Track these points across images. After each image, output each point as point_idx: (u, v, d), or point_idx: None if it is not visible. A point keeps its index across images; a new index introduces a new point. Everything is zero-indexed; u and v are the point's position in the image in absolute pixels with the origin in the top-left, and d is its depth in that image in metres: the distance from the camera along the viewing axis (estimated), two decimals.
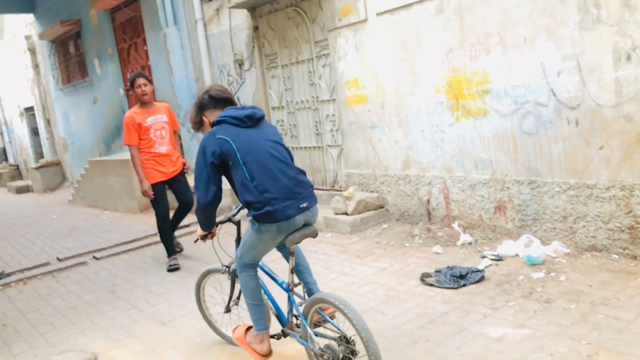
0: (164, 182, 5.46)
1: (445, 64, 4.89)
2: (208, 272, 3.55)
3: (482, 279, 3.92)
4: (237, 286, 3.33)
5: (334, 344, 2.69)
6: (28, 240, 7.90)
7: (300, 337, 2.93)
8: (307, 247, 5.37)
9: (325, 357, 2.69)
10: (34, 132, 16.26)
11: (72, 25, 11.38)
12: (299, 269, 3.18)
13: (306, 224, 2.83)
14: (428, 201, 5.31)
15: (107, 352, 3.66)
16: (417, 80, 5.17)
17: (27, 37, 14.29)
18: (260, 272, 3.11)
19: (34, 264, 6.31)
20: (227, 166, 2.77)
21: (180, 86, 8.32)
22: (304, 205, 2.77)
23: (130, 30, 9.89)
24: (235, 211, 3.23)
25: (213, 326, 3.66)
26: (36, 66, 14.44)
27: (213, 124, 2.86)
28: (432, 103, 5.08)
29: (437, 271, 4.12)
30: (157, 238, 6.79)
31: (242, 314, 3.47)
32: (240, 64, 7.42)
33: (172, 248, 5.53)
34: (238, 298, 3.39)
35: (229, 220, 3.16)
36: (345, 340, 2.64)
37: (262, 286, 3.07)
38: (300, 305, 2.94)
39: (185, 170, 5.61)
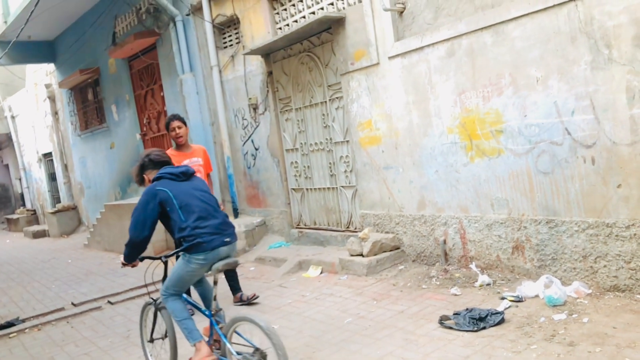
0: None
1: (457, 104, 4.92)
2: (147, 304, 3.99)
3: (502, 321, 3.82)
4: (159, 321, 3.79)
5: (249, 356, 3.10)
6: (43, 285, 7.91)
7: (221, 355, 3.38)
8: (322, 290, 5.33)
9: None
10: (52, 177, 16.53)
11: (91, 74, 11.71)
12: (209, 292, 3.65)
13: (227, 256, 3.46)
14: (444, 242, 5.25)
15: None
16: (430, 120, 5.20)
17: (48, 86, 14.70)
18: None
19: (49, 309, 6.29)
20: (165, 212, 3.41)
21: (196, 130, 8.45)
22: (227, 239, 3.44)
23: (147, 77, 10.15)
24: (169, 254, 3.63)
25: (146, 355, 4.01)
26: (55, 113, 14.80)
27: (153, 180, 3.54)
28: (446, 143, 5.09)
29: (456, 314, 4.03)
30: None
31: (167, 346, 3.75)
32: (254, 107, 7.54)
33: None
34: (165, 336, 3.76)
35: (159, 258, 3.62)
36: (258, 350, 3.07)
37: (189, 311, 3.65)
38: (221, 328, 3.37)
39: None
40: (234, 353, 3.17)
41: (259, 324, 3.02)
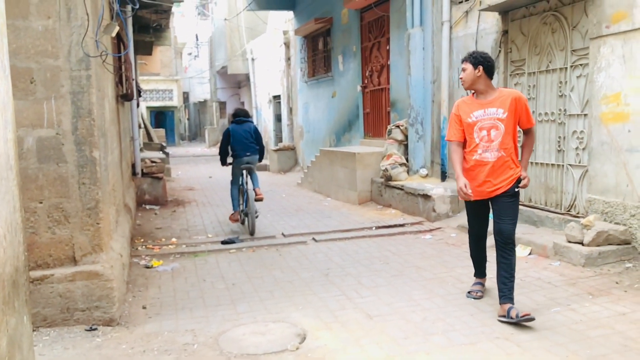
0: (481, 202, 4.11)
1: None
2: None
3: None
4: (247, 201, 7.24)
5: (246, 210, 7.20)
6: (260, 213, 8.71)
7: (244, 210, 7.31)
8: (529, 272, 4.93)
9: (245, 211, 7.23)
10: (278, 118, 18.09)
11: (324, 23, 12.27)
12: (252, 179, 7.38)
13: (249, 162, 7.25)
14: None
15: (315, 332, 3.80)
16: None
17: (284, 32, 15.89)
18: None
19: (263, 235, 6.95)
20: (229, 139, 7.29)
21: (416, 87, 8.33)
22: (248, 154, 7.22)
23: (376, 29, 10.26)
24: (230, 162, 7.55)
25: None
26: (288, 59, 15.99)
27: (230, 124, 7.53)
28: None
29: None
30: (372, 232, 6.95)
31: None
32: None
33: (479, 269, 4.47)
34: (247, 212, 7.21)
35: (230, 164, 7.44)
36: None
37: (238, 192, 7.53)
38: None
39: (516, 189, 3.98)
40: (244, 209, 7.23)
41: (250, 195, 7.00)
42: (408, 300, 4.39)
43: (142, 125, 16.95)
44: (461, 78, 4.05)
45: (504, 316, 3.84)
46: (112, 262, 4.22)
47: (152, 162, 10.08)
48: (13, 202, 2.10)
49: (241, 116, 7.46)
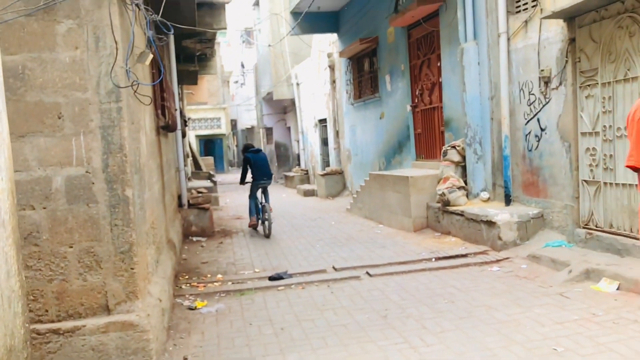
0: None
1: None
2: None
3: None
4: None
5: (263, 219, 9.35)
6: (309, 242, 8.31)
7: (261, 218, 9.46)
8: (622, 313, 4.24)
9: (262, 219, 9.35)
10: (324, 142, 17.71)
11: (369, 43, 11.86)
12: (265, 197, 9.37)
13: (265, 184, 9.43)
14: None
15: None
16: None
17: (329, 55, 15.58)
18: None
19: (313, 269, 6.49)
20: (250, 165, 9.36)
21: (472, 104, 7.76)
22: (265, 179, 9.37)
23: (425, 46, 9.76)
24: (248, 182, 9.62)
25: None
26: (333, 82, 15.65)
27: (246, 153, 9.57)
28: None
29: None
30: (432, 263, 6.36)
31: None
32: (546, 81, 6.48)
33: None
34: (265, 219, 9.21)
35: (249, 182, 9.47)
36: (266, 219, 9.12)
37: (255, 204, 9.58)
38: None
39: None
40: (262, 219, 9.31)
41: (266, 207, 9.04)
42: (481, 349, 3.81)
43: (190, 155, 16.96)
44: None
45: None
46: (149, 309, 3.85)
47: (199, 192, 9.85)
48: (6, 267, 1.72)
49: (252, 146, 9.81)
